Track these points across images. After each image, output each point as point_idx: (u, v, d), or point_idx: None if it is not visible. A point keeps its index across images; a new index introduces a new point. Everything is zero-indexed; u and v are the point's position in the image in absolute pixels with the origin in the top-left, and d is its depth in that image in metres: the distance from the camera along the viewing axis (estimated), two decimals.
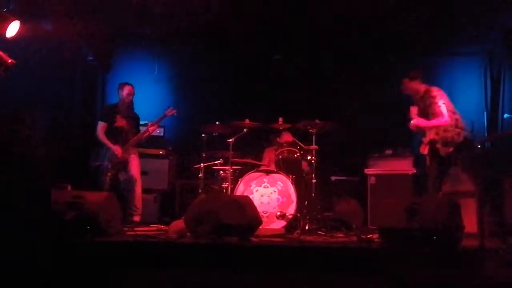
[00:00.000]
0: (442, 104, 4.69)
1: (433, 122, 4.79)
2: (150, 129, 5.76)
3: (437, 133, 4.76)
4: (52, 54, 5.93)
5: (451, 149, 4.69)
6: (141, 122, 5.99)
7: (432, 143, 4.80)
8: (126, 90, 5.73)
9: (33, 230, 3.31)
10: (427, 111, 4.84)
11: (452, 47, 6.94)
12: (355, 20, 6.20)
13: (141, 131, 5.78)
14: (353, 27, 6.39)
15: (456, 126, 4.69)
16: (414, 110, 4.91)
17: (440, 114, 4.69)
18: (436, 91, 4.81)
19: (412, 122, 4.86)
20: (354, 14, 6.01)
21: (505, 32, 6.34)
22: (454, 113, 4.74)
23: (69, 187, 5.63)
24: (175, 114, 5.89)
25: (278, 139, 6.20)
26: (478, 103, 6.75)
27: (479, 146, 5.15)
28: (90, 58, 6.85)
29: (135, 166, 5.70)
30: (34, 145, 3.74)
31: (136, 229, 5.07)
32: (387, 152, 6.14)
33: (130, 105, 5.80)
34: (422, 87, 4.93)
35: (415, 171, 5.92)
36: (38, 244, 3.27)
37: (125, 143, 5.66)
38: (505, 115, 6.12)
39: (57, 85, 6.20)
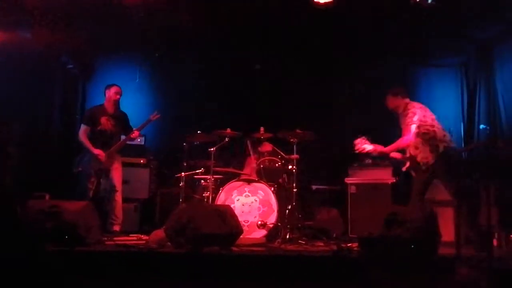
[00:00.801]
0: (413, 123, 4.74)
1: (393, 145, 4.86)
2: (133, 134, 5.69)
3: (416, 147, 4.83)
4: (31, 62, 5.87)
5: (431, 162, 4.77)
6: None
7: (412, 158, 4.88)
8: (113, 90, 5.66)
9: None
10: (403, 128, 4.92)
11: (429, 58, 7.08)
12: (334, 31, 6.28)
13: (125, 137, 5.71)
14: (333, 38, 6.48)
15: (434, 140, 4.76)
16: (359, 142, 4.94)
17: (406, 133, 4.77)
18: (412, 108, 4.85)
19: (367, 150, 4.89)
20: (333, 26, 6.10)
21: (478, 44, 6.50)
22: (432, 126, 4.81)
23: (47, 196, 5.56)
24: (159, 117, 5.81)
25: (259, 148, 6.23)
26: (455, 113, 6.88)
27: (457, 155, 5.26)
28: (70, 66, 6.79)
29: (117, 175, 5.60)
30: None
31: (115, 238, 5.03)
32: (367, 161, 6.21)
33: (117, 104, 5.74)
34: (402, 103, 4.99)
35: (394, 180, 5.99)
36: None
37: (110, 147, 5.57)
38: (481, 126, 6.26)
39: (36, 94, 6.14)
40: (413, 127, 4.74)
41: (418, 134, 4.75)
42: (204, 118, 6.86)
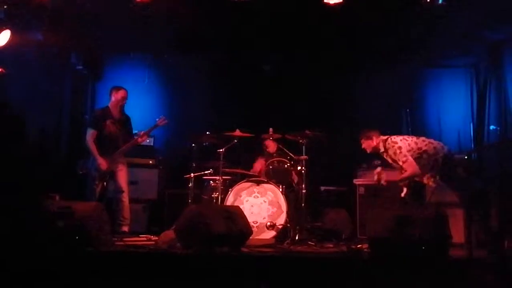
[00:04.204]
0: (407, 156, 4.73)
1: (404, 176, 4.85)
2: (140, 139, 5.71)
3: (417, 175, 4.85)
4: (42, 63, 5.91)
5: (436, 178, 4.80)
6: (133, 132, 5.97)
7: (416, 184, 4.91)
8: (121, 94, 5.65)
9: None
10: (396, 162, 4.91)
11: (439, 59, 7.04)
12: (344, 32, 6.27)
13: (131, 141, 5.73)
14: (343, 39, 6.46)
15: (428, 157, 4.75)
16: (378, 173, 5.00)
17: (409, 167, 4.74)
18: (394, 144, 4.83)
19: (383, 181, 4.94)
20: (343, 26, 6.09)
21: (488, 45, 6.46)
22: (419, 149, 4.78)
23: (57, 197, 5.58)
24: (166, 123, 5.84)
25: (267, 149, 6.23)
26: (465, 114, 6.85)
27: (465, 157, 5.23)
28: (80, 67, 6.82)
29: (123, 176, 5.61)
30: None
31: (125, 239, 5.04)
32: (375, 162, 6.18)
33: (123, 108, 5.75)
34: (379, 141, 4.98)
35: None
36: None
37: (116, 150, 5.59)
38: (491, 127, 6.23)
39: (47, 95, 6.17)
40: (411, 159, 4.73)
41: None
42: (213, 119, 6.88)
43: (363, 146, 5.10)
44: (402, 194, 5.02)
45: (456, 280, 3.44)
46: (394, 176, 5.90)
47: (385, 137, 4.98)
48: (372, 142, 5.00)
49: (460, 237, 4.91)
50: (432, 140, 4.90)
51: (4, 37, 4.95)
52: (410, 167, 4.71)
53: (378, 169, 5.05)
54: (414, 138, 4.89)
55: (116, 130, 5.63)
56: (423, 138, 4.92)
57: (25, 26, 5.39)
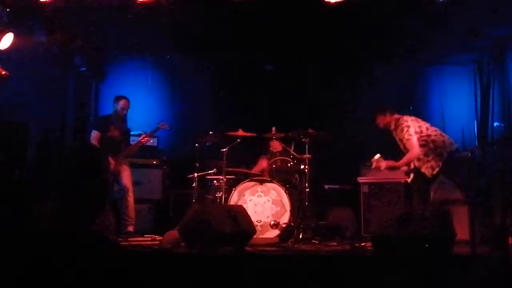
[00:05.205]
0: (412, 136, 4.73)
1: (404, 160, 4.86)
2: (143, 140, 5.79)
3: (418, 159, 4.82)
4: (45, 65, 5.95)
5: (436, 171, 4.76)
6: (135, 132, 6.02)
7: (416, 170, 4.87)
8: (121, 104, 5.77)
9: None
10: (402, 142, 4.91)
11: (442, 56, 7.02)
12: (345, 31, 6.26)
13: (134, 143, 5.82)
14: (344, 38, 6.45)
15: (434, 152, 4.73)
16: (376, 161, 4.96)
17: (410, 147, 4.75)
18: (405, 122, 4.84)
19: (382, 168, 4.91)
20: (344, 25, 6.08)
21: (492, 42, 6.44)
22: (428, 136, 4.76)
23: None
24: (168, 128, 5.96)
25: (270, 148, 6.24)
26: (468, 111, 6.83)
27: (469, 154, 5.21)
28: (83, 69, 6.87)
29: (126, 176, 5.70)
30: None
31: (130, 239, 5.07)
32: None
33: (124, 118, 5.86)
34: (392, 119, 4.98)
35: (407, 179, 5.96)
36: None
37: (119, 153, 5.67)
38: (495, 123, 6.20)
39: (50, 96, 6.21)
40: (414, 140, 4.72)
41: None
42: (216, 118, 6.90)
43: (376, 121, 5.08)
44: (409, 180, 5.01)
45: (460, 277, 3.43)
46: (394, 173, 5.94)
47: (398, 116, 4.99)
48: (385, 117, 5.01)
49: (465, 234, 4.90)
50: (444, 134, 4.88)
51: (7, 40, 4.99)
52: (412, 147, 4.71)
53: (377, 156, 5.01)
54: (427, 125, 4.87)
55: (119, 136, 5.76)
56: (436, 128, 4.91)
57: (28, 28, 5.43)
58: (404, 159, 4.86)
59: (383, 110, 5.06)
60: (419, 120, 4.95)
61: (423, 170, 4.79)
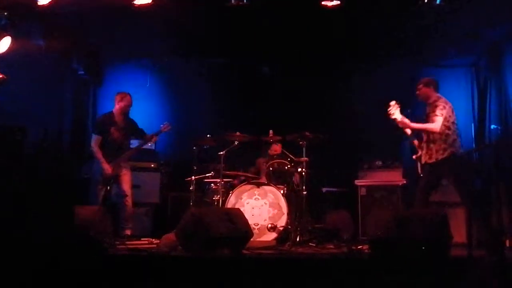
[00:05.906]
0: (439, 115, 4.79)
1: (419, 125, 4.91)
2: (147, 138, 5.76)
3: (434, 141, 4.84)
4: (43, 69, 5.95)
5: (431, 161, 4.77)
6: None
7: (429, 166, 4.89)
8: (125, 101, 5.67)
9: None
10: (428, 115, 4.94)
11: (439, 59, 7.03)
12: (343, 34, 6.28)
13: (135, 146, 5.78)
14: (342, 41, 6.47)
15: (445, 142, 4.75)
16: (392, 106, 4.97)
17: (433, 122, 4.81)
18: (442, 102, 4.90)
19: (399, 120, 4.92)
20: (342, 28, 6.10)
21: (489, 44, 6.46)
22: (448, 128, 4.80)
23: None
24: (170, 129, 5.89)
25: (268, 151, 6.24)
26: (466, 114, 6.83)
27: (466, 157, 5.22)
28: (81, 72, 6.87)
29: (127, 180, 5.65)
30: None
31: (127, 242, 5.07)
32: (376, 163, 6.20)
33: (127, 114, 5.77)
34: (433, 95, 5.03)
35: (404, 182, 5.98)
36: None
37: (120, 155, 5.63)
38: (492, 126, 6.21)
39: (48, 100, 6.21)
40: (440, 119, 4.77)
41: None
42: (214, 121, 6.90)
43: (418, 92, 5.10)
44: (414, 156, 5.04)
45: (456, 280, 3.43)
46: (392, 175, 5.95)
47: (440, 96, 5.04)
48: (429, 90, 5.04)
49: (462, 236, 4.91)
50: (460, 136, 4.91)
51: (5, 44, 4.99)
52: (436, 122, 4.76)
53: (393, 102, 4.98)
54: (455, 119, 4.90)
55: (120, 136, 5.67)
56: (458, 129, 4.93)
57: (26, 32, 5.43)
58: (421, 125, 4.90)
59: (430, 82, 5.10)
60: (454, 113, 4.96)
61: (433, 150, 4.80)
